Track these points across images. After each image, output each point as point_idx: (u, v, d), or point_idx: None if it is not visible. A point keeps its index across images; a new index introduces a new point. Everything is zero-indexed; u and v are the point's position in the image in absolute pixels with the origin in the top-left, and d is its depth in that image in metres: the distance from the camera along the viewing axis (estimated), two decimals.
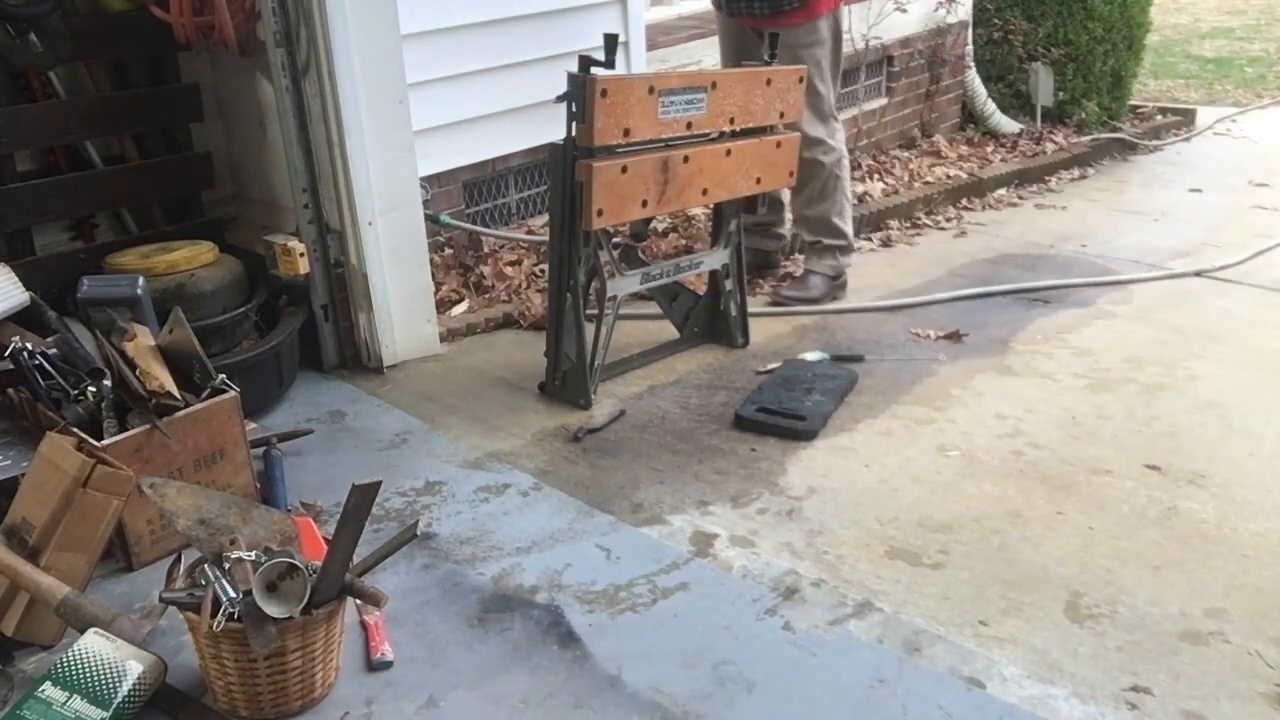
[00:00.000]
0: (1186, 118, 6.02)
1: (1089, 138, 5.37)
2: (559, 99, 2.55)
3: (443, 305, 3.34)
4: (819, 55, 3.30)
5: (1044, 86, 5.42)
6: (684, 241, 3.85)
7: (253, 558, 1.70)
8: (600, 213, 2.57)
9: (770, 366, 2.97)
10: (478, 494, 2.38)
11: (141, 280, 2.44)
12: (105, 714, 1.63)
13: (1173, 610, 1.93)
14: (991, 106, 5.51)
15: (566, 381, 2.79)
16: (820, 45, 3.29)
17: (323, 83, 2.70)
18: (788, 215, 3.70)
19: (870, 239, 4.15)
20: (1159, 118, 5.99)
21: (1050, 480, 2.38)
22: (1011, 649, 1.84)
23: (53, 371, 2.23)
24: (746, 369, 2.99)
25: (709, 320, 3.16)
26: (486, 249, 3.72)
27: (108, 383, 2.17)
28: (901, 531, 2.19)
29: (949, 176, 4.77)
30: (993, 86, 5.60)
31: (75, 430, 2.04)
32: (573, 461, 2.51)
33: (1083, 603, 1.96)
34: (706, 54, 4.22)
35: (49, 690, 1.65)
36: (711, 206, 3.12)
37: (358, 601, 1.79)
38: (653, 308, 3.22)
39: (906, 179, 4.71)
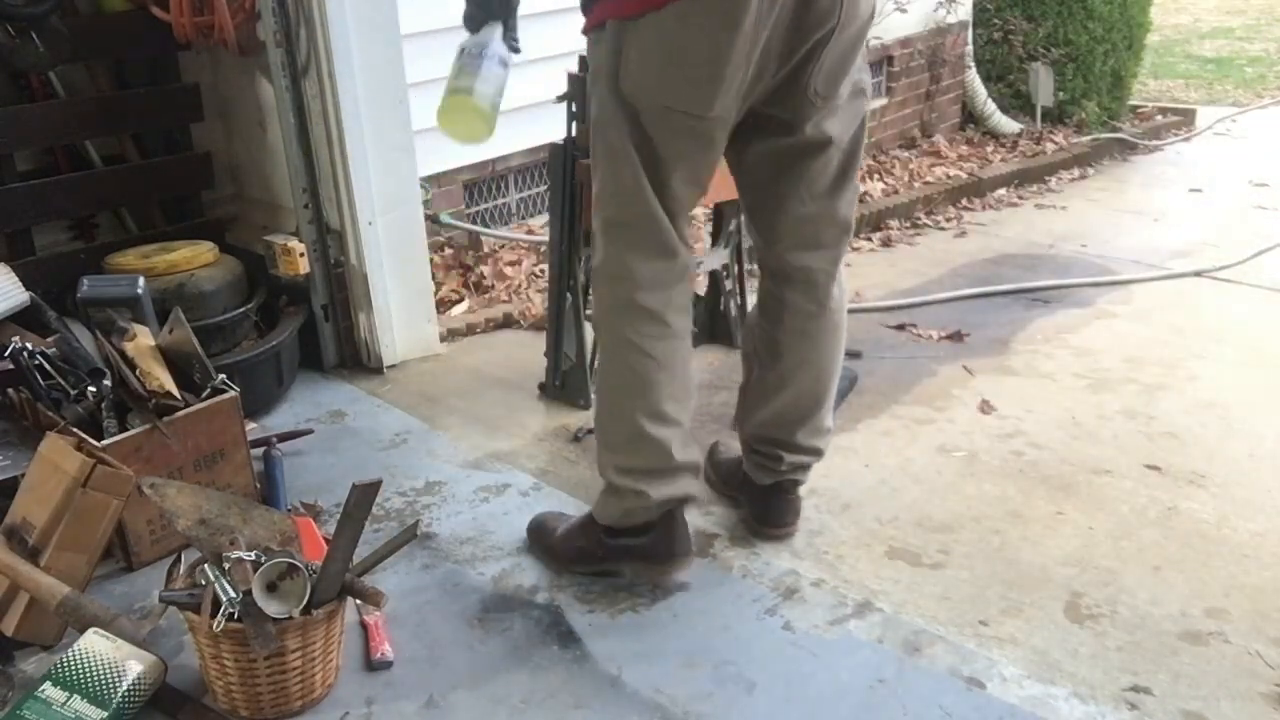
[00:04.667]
0: (1186, 118, 6.01)
1: (1089, 138, 5.37)
2: (559, 99, 2.55)
3: (443, 305, 3.34)
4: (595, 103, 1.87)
5: (1044, 86, 5.42)
6: None
7: (253, 558, 1.70)
8: None
9: None
10: (478, 494, 2.38)
11: (141, 280, 2.44)
12: (105, 714, 1.63)
13: (1173, 610, 1.93)
14: (991, 106, 5.51)
15: (566, 381, 2.78)
16: (598, 80, 1.84)
17: (323, 83, 2.70)
18: None
19: (870, 239, 4.15)
20: (1159, 118, 5.98)
21: (1050, 480, 2.38)
22: (1011, 649, 1.84)
23: (53, 371, 2.23)
24: None
25: (709, 320, 3.15)
26: (486, 249, 3.72)
27: (108, 383, 2.17)
28: (901, 531, 2.19)
29: (949, 176, 4.77)
30: (993, 86, 5.60)
31: (75, 430, 2.05)
32: (573, 461, 2.51)
33: (1083, 603, 1.96)
34: None
35: (49, 690, 1.65)
36: (711, 206, 3.12)
37: (358, 601, 1.79)
38: None
39: (906, 179, 4.71)
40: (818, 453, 2.14)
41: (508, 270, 3.58)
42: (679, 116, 1.77)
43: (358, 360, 3.03)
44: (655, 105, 1.78)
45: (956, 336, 3.17)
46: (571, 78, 2.50)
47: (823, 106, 1.84)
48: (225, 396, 2.22)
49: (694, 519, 2.25)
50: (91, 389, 2.17)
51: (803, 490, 2.31)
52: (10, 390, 2.28)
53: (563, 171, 2.59)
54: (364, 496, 1.66)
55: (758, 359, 2.12)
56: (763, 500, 2.18)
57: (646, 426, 1.90)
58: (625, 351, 1.91)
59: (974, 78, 5.53)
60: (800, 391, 2.07)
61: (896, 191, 4.54)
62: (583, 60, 2.51)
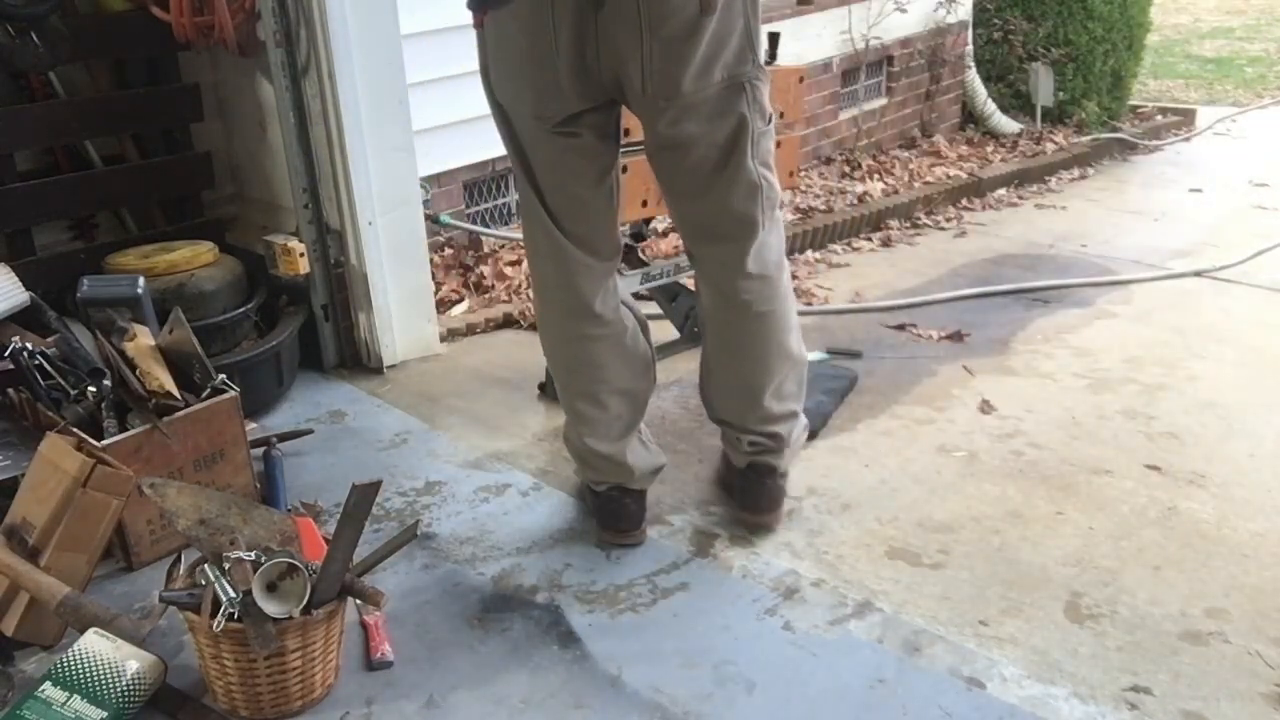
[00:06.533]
0: (1186, 118, 6.02)
1: (1089, 138, 5.37)
2: None
3: (443, 305, 3.34)
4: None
5: (1044, 86, 5.42)
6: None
7: (253, 558, 1.70)
8: None
9: None
10: (478, 494, 2.38)
11: (141, 280, 2.44)
12: (105, 714, 1.63)
13: (1173, 610, 1.93)
14: (991, 106, 5.52)
15: None
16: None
17: (323, 83, 2.70)
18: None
19: (870, 239, 4.15)
20: (1159, 118, 5.99)
21: (1050, 480, 2.38)
22: (1011, 649, 1.84)
23: (53, 371, 2.23)
24: None
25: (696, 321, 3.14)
26: (486, 249, 3.72)
27: (108, 383, 2.17)
28: (901, 531, 2.19)
29: (949, 176, 4.78)
30: (993, 86, 5.60)
31: (75, 430, 2.05)
32: (573, 462, 2.50)
33: (1083, 603, 1.96)
34: None
35: (49, 690, 1.65)
36: None
37: (358, 601, 1.79)
38: (653, 308, 3.22)
39: (906, 179, 4.71)
40: (774, 437, 2.15)
41: (508, 270, 3.58)
42: (517, 117, 1.91)
43: (358, 360, 3.03)
44: (510, 107, 1.92)
45: (956, 336, 3.17)
46: None
47: (668, 106, 1.83)
48: (225, 396, 2.22)
49: (694, 519, 2.25)
50: (91, 389, 2.17)
51: (801, 489, 2.31)
52: (10, 390, 2.28)
53: None
54: (364, 496, 1.66)
55: (702, 340, 2.20)
56: (741, 483, 2.21)
57: (567, 415, 2.15)
58: (549, 342, 2.13)
59: (974, 78, 5.53)
60: (730, 376, 2.13)
61: (896, 191, 4.54)
62: None
